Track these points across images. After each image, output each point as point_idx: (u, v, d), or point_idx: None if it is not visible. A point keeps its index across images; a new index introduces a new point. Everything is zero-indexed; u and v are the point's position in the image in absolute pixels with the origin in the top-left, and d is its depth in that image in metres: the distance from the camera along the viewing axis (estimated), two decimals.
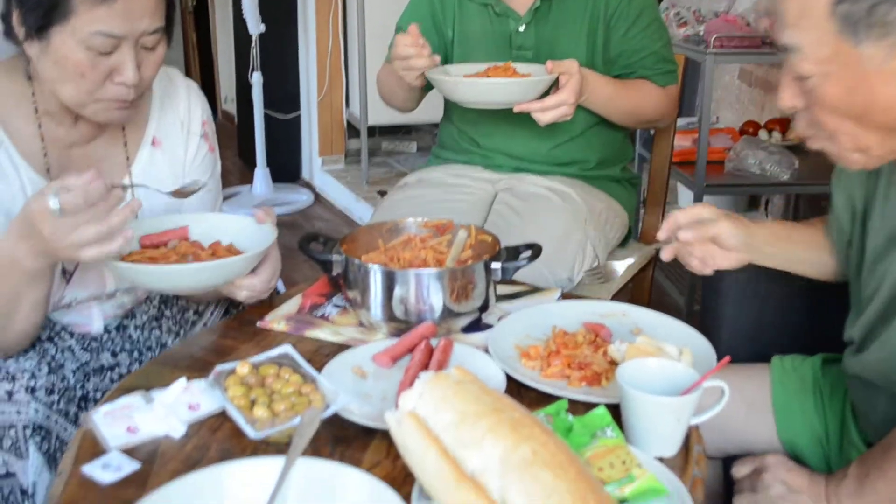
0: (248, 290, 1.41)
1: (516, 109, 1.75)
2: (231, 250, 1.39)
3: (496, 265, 1.38)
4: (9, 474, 1.24)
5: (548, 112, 1.72)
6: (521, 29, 1.94)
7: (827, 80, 1.05)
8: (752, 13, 2.86)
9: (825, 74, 1.05)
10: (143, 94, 1.38)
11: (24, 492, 1.25)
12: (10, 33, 1.30)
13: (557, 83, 1.75)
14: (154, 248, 1.38)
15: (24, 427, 1.24)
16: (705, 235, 1.33)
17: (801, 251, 1.44)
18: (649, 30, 1.93)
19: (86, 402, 1.44)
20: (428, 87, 1.98)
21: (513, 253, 1.42)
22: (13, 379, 1.23)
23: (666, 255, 1.36)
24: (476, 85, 1.77)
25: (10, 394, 1.23)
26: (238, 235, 1.42)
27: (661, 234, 1.35)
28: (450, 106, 2.09)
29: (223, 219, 1.48)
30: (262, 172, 4.55)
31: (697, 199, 2.83)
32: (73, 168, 1.42)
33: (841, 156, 1.13)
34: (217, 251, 1.38)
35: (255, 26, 4.30)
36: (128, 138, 1.49)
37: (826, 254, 1.43)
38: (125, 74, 1.30)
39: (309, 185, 4.85)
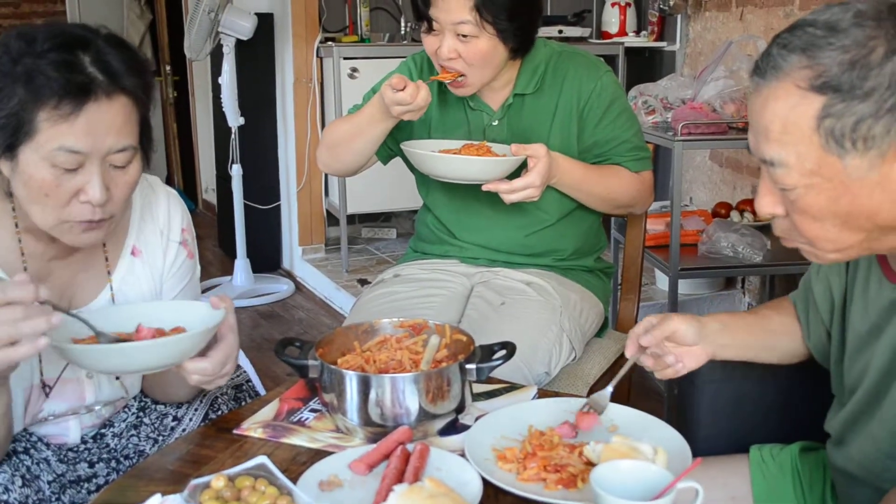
0: (199, 374, 1.36)
1: (485, 188, 1.80)
2: (178, 332, 1.36)
3: (471, 366, 1.39)
4: None
5: (515, 192, 1.78)
6: (495, 123, 1.99)
7: (810, 191, 1.07)
8: (717, 100, 2.95)
9: (808, 186, 1.07)
10: (116, 215, 1.35)
11: None
12: None
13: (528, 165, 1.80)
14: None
15: None
16: (664, 334, 1.39)
17: (759, 339, 1.48)
18: (620, 119, 1.98)
19: None
20: (383, 153, 2.05)
21: (487, 352, 1.43)
22: None
23: (629, 352, 1.44)
24: (446, 160, 1.82)
25: None
26: (191, 321, 1.38)
27: (629, 352, 1.43)
28: (428, 196, 2.12)
29: (175, 306, 1.46)
30: (242, 263, 4.57)
31: (673, 283, 2.86)
32: (54, 281, 1.43)
33: (818, 256, 1.15)
34: (162, 335, 1.34)
35: (235, 119, 4.37)
36: (108, 249, 1.50)
37: (787, 338, 1.46)
38: (90, 193, 1.27)
39: (290, 275, 4.86)
